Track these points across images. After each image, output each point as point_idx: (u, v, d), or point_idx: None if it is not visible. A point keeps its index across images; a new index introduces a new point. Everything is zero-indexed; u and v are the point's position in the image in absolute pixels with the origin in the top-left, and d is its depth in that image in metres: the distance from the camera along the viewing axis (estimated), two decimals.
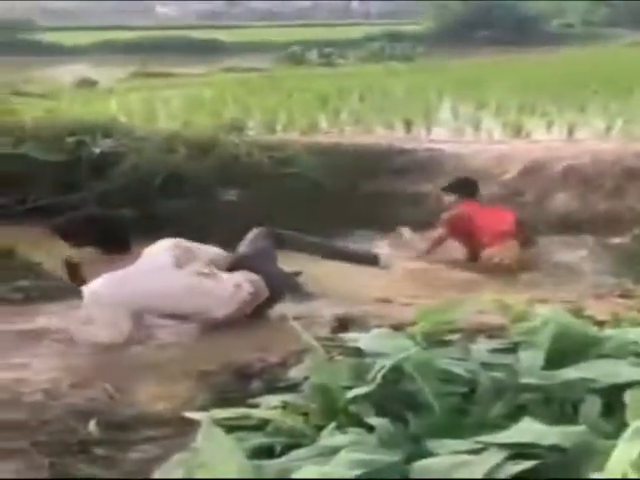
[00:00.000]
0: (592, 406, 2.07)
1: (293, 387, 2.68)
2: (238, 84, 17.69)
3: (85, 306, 3.76)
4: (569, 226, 7.67)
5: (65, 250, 4.12)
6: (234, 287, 4.01)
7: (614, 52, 28.99)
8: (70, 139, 8.76)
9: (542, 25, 53.06)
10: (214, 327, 3.96)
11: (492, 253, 6.76)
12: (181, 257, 3.94)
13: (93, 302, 3.71)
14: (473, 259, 7.00)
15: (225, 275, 4.09)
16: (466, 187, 7.30)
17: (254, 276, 4.14)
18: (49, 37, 50.54)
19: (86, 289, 3.74)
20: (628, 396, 1.99)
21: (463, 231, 7.02)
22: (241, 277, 4.10)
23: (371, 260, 5.46)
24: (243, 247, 4.66)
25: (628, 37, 41.24)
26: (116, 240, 4.10)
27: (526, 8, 53.96)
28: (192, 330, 4.02)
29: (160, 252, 3.95)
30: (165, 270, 3.88)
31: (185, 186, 8.24)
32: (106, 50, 45.87)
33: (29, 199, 8.08)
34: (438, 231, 7.09)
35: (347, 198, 8.27)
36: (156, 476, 2.25)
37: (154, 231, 7.03)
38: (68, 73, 27.20)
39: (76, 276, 4.02)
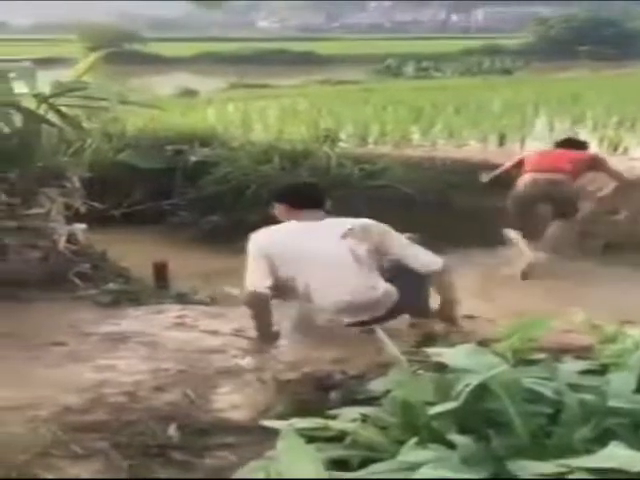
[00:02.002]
0: None
1: (373, 400, 2.65)
2: (332, 96, 17.78)
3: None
4: None
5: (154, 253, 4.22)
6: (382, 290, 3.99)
7: None
8: (169, 147, 8.97)
9: None
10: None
11: None
12: (356, 233, 4.04)
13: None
14: None
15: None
16: None
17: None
18: (153, 48, 51.93)
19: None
20: None
21: None
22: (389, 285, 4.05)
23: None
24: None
25: None
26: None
27: (628, 23, 52.86)
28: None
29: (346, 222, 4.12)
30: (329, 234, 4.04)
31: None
32: (207, 61, 46.91)
33: (123, 204, 8.28)
34: None
35: (438, 212, 8.17)
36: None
37: (243, 238, 7.16)
38: (170, 83, 27.87)
39: (161, 277, 4.12)
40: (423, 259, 4.08)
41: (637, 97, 14.43)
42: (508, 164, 8.10)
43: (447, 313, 4.14)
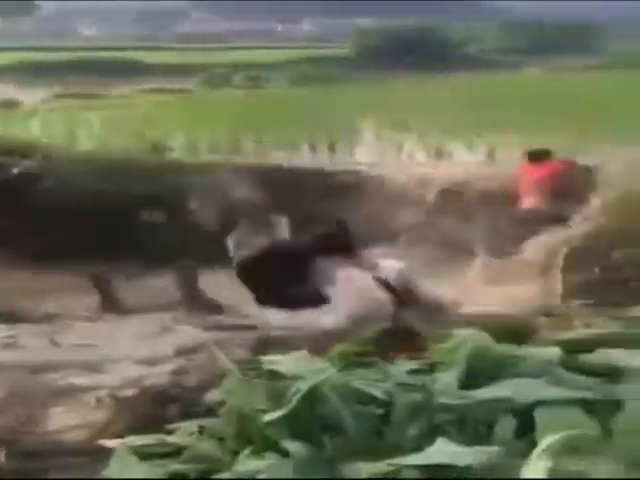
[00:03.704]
0: (506, 426, 2.07)
1: (211, 412, 2.63)
2: (161, 105, 17.57)
3: None
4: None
5: None
6: None
7: (532, 77, 29.75)
8: None
9: (461, 50, 54.36)
10: None
11: None
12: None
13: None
14: None
15: None
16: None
17: None
18: None
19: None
20: (537, 415, 2.00)
21: None
22: None
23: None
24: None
25: (545, 63, 42.48)
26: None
27: (445, 34, 55.36)
28: None
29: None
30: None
31: (107, 208, 8.12)
32: (29, 71, 45.04)
33: None
34: None
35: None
36: None
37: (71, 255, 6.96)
38: None
39: None
40: None
41: (457, 104, 15.12)
42: None
43: None
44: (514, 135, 11.22)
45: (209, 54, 51.32)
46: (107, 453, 2.37)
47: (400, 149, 10.37)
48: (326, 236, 4.84)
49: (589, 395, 2.13)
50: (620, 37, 59.10)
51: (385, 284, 4.10)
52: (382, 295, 4.44)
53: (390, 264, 4.39)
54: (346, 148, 10.53)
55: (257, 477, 1.93)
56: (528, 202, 7.75)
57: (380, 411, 2.23)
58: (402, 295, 4.18)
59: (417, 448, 2.00)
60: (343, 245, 4.67)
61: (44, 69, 44.59)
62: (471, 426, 2.15)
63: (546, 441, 1.74)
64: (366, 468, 1.93)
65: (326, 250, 4.65)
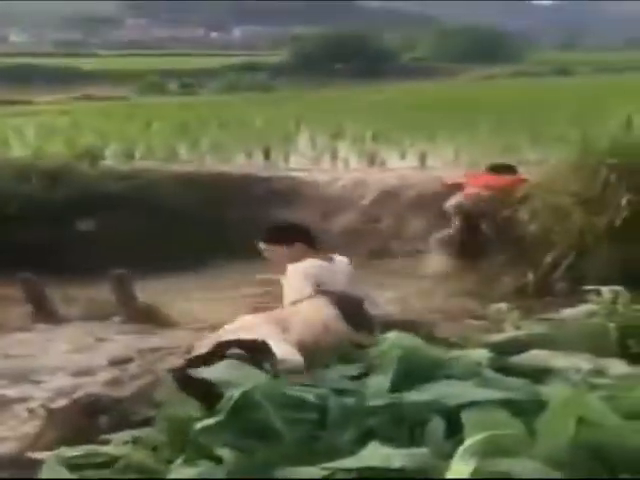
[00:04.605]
0: (436, 427, 2.11)
1: (146, 422, 2.62)
2: (95, 112, 17.37)
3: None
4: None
5: None
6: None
7: (462, 85, 30.23)
8: None
9: (394, 59, 54.98)
10: None
11: None
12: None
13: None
14: None
15: None
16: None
17: None
18: None
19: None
20: (464, 416, 2.05)
21: None
22: None
23: None
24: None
25: (476, 71, 43.30)
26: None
27: (378, 43, 55.88)
28: None
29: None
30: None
31: (39, 216, 8.00)
32: None
33: None
34: None
35: (207, 226, 8.22)
36: None
37: (4, 261, 6.83)
38: None
39: None
40: None
41: (390, 112, 15.27)
42: None
43: None
44: (445, 141, 11.40)
45: (143, 61, 50.85)
46: (38, 465, 2.34)
47: (335, 155, 10.43)
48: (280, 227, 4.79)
49: (515, 396, 2.19)
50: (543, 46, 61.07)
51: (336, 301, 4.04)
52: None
53: (341, 259, 4.38)
54: (281, 155, 10.53)
55: None
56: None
57: (314, 416, 2.25)
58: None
59: (352, 452, 2.03)
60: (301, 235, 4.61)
61: None
62: (403, 428, 2.18)
63: (470, 441, 1.78)
64: (298, 472, 1.95)
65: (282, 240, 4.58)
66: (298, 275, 4.07)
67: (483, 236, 7.27)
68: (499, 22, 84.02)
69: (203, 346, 3.22)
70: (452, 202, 7.40)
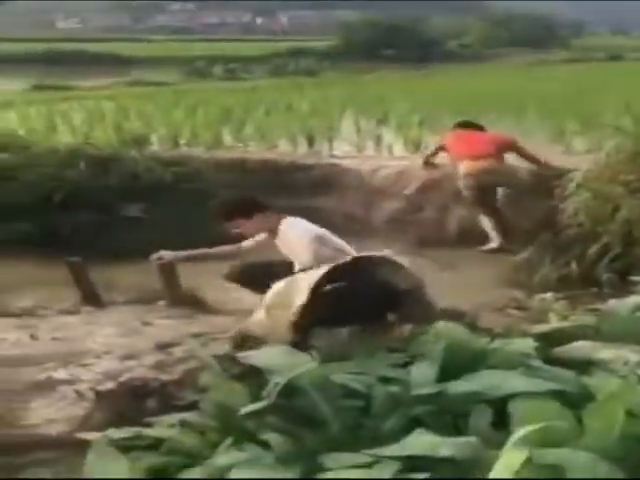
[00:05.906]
0: (481, 417, 2.11)
1: (192, 406, 2.65)
2: (141, 98, 17.49)
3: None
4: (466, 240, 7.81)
5: None
6: None
7: (511, 71, 29.85)
8: None
9: (442, 45, 54.55)
10: None
11: None
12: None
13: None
14: None
15: None
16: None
17: None
18: None
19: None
20: (511, 406, 2.04)
21: None
22: None
23: None
24: None
25: (525, 57, 42.73)
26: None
27: (427, 30, 55.47)
28: None
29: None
30: None
31: (86, 202, 8.08)
32: (6, 63, 44.60)
33: None
34: None
35: None
36: None
37: (53, 246, 6.92)
38: None
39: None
40: None
41: (436, 98, 15.15)
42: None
43: None
44: (492, 128, 11.27)
45: (188, 46, 51.08)
46: (87, 446, 2.38)
47: (379, 142, 10.36)
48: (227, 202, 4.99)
49: (563, 387, 2.17)
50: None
51: None
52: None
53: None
54: (325, 141, 10.49)
55: (236, 469, 1.95)
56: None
57: (359, 403, 2.26)
58: None
59: (396, 440, 2.03)
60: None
61: (22, 61, 44.23)
62: (449, 418, 2.18)
63: (521, 431, 1.77)
64: (343, 459, 1.96)
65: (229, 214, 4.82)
66: (308, 240, 4.24)
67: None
68: (549, 7, 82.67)
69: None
70: (461, 181, 7.50)
